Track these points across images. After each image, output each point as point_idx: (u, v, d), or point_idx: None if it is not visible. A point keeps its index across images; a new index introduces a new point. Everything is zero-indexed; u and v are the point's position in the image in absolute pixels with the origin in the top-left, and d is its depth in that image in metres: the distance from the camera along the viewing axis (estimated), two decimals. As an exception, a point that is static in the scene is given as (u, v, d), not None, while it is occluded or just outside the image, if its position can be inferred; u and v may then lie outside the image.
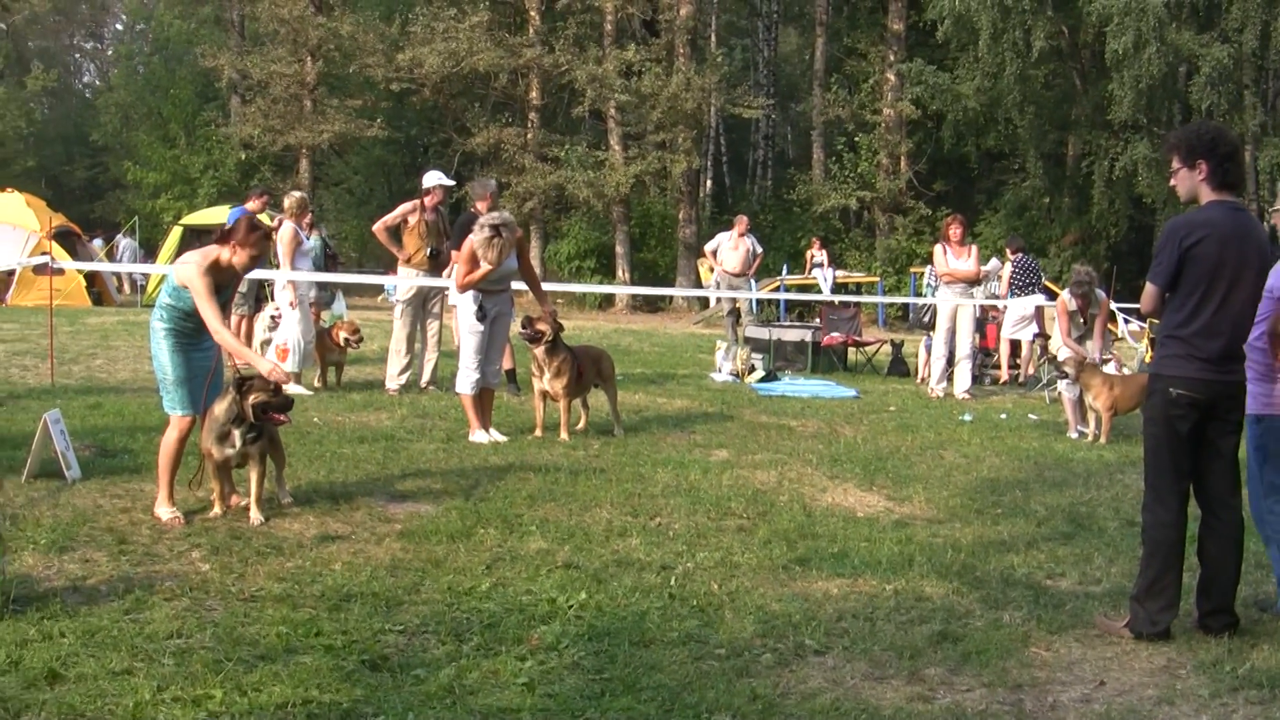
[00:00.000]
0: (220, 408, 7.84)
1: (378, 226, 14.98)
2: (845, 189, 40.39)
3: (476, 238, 10.99)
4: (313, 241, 16.53)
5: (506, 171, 38.93)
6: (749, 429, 12.76)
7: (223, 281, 7.91)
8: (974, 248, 17.05)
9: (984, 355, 19.06)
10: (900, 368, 19.77)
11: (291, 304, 14.09)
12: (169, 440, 7.79)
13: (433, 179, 14.74)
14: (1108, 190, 34.53)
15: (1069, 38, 35.21)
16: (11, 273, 27.95)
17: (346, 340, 14.80)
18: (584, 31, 40.73)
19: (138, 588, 6.26)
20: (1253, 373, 6.32)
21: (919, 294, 31.60)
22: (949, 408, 15.43)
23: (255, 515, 7.79)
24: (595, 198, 38.51)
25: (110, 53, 74.21)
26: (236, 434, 7.80)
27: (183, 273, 7.79)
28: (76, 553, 6.91)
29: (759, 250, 22.43)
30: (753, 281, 24.06)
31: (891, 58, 40.93)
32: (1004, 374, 18.91)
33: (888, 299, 33.36)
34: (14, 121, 57.11)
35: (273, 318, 14.71)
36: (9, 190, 33.30)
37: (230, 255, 7.83)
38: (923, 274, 30.96)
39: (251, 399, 7.76)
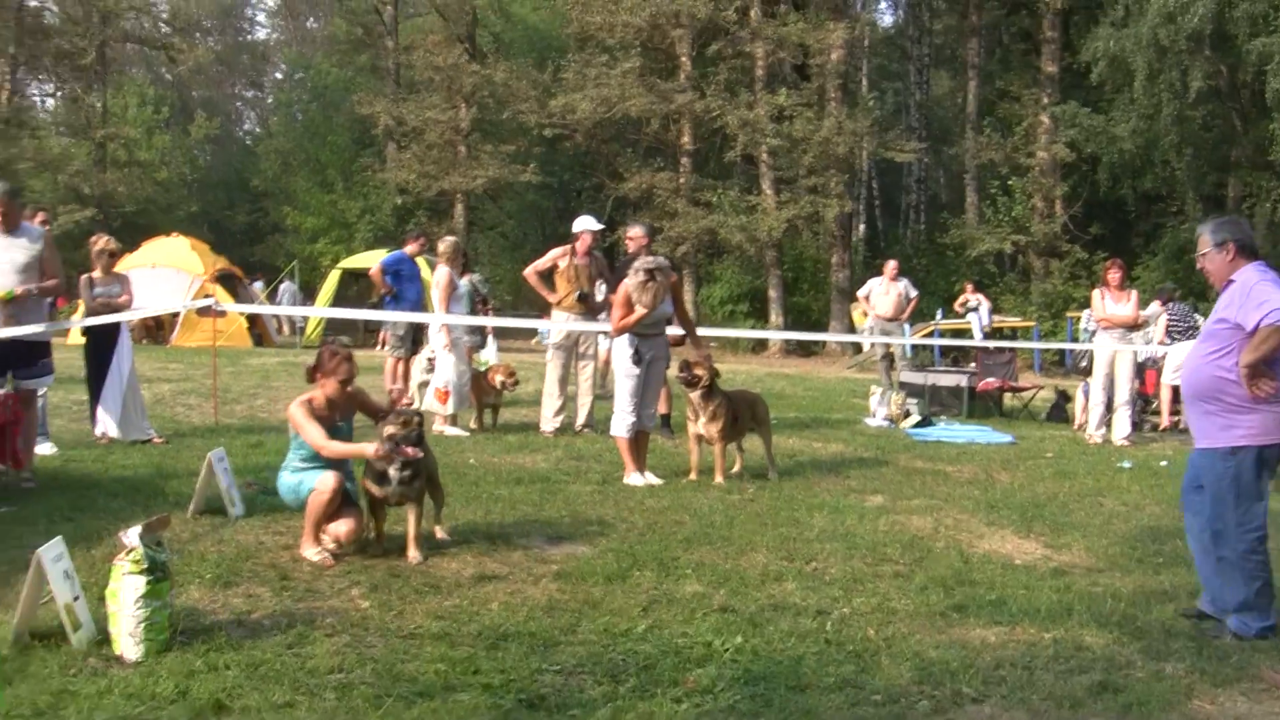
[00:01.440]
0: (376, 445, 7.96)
1: (529, 271, 15.07)
2: (1000, 233, 39.81)
3: (631, 281, 11.02)
4: (465, 286, 16.72)
5: (659, 216, 39.01)
6: (904, 474, 12.64)
7: (326, 417, 8.07)
8: (1133, 292, 16.74)
9: (1143, 401, 18.69)
10: (1060, 414, 19.47)
11: (446, 347, 14.26)
12: (318, 497, 7.83)
13: (580, 224, 14.77)
14: (1269, 232, 33.71)
15: (1227, 77, 34.33)
16: (176, 314, 28.62)
17: (503, 383, 14.91)
18: (735, 76, 40.75)
19: (299, 623, 6.34)
20: (1219, 405, 6.75)
21: (1075, 339, 31.12)
22: (1107, 454, 15.16)
23: (414, 554, 7.84)
24: (748, 242, 38.47)
25: (270, 101, 75.73)
26: (392, 472, 7.89)
27: (290, 417, 8.09)
28: (240, 587, 7.03)
29: (913, 294, 22.14)
30: (906, 326, 23.85)
31: (1045, 100, 40.37)
32: (1165, 420, 18.52)
33: (1044, 344, 32.89)
34: (179, 168, 58.62)
35: (429, 360, 14.90)
36: (174, 235, 34.28)
37: (321, 389, 8.06)
38: (1079, 318, 30.47)
39: (386, 431, 7.87)
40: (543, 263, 14.94)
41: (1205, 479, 6.97)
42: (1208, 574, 7.06)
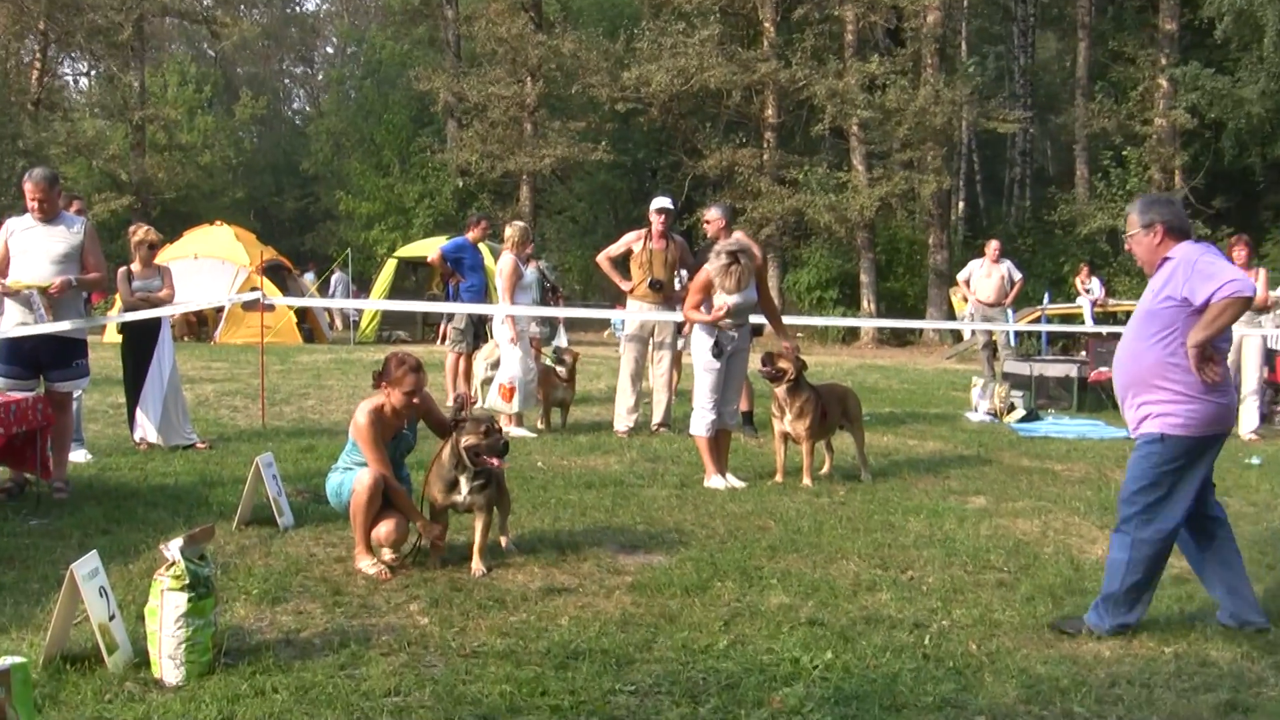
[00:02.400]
0: (446, 454, 7.99)
1: (601, 256, 15.10)
2: (1113, 208, 39.23)
3: (713, 265, 10.93)
4: (531, 274, 16.74)
5: (741, 196, 39.00)
6: (1009, 473, 12.56)
7: (392, 424, 8.12)
8: (1261, 271, 16.52)
9: (1273, 391, 18.44)
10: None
11: (512, 340, 14.27)
12: (356, 499, 7.85)
13: (655, 204, 14.75)
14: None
15: (1369, 30, 33.87)
16: (221, 309, 28.84)
17: (558, 360, 14.91)
18: (823, 43, 40.54)
19: (353, 641, 6.35)
20: (1165, 394, 6.70)
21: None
22: (1233, 450, 14.97)
23: (477, 566, 7.86)
24: (837, 222, 38.28)
25: (321, 78, 76.45)
26: (463, 480, 7.92)
27: (352, 426, 8.09)
28: (289, 604, 7.07)
29: (1017, 277, 21.93)
30: (1010, 311, 23.69)
31: (1163, 61, 39.84)
32: (1298, 411, 18.24)
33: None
34: (223, 151, 58.99)
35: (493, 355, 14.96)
36: (218, 223, 34.53)
37: (387, 398, 8.04)
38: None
39: (463, 441, 7.88)
40: (616, 248, 14.95)
41: (1129, 466, 6.97)
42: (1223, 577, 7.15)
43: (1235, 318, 6.59)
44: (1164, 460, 6.75)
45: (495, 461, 7.92)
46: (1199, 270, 6.58)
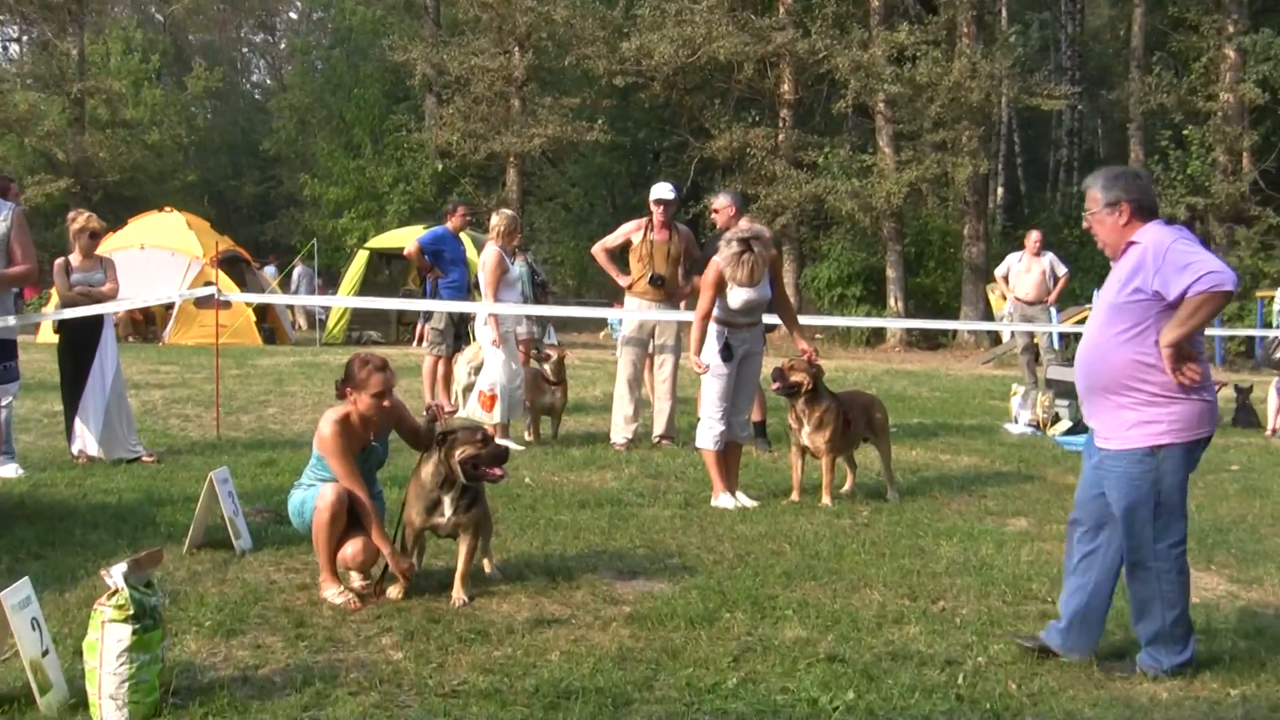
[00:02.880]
0: (427, 471, 7.98)
1: (597, 248, 15.15)
2: (1172, 195, 38.98)
3: (723, 254, 10.86)
4: (519, 268, 16.75)
5: (754, 181, 39.13)
6: (1052, 492, 12.55)
7: (359, 435, 8.06)
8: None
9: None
10: (1247, 417, 19.24)
11: (494, 342, 14.26)
12: (318, 516, 7.81)
13: (656, 192, 14.73)
14: None
15: None
16: (170, 306, 28.87)
17: (541, 357, 14.92)
18: (846, 9, 40.53)
19: (318, 679, 6.33)
20: (1135, 397, 6.68)
21: (1267, 324, 30.75)
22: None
23: (459, 594, 7.86)
24: (861, 211, 38.32)
25: (284, 47, 76.42)
26: (447, 501, 7.93)
27: (316, 439, 8.03)
28: (247, 636, 7.06)
29: (1061, 272, 21.87)
30: (1054, 311, 23.71)
31: (1230, 29, 39.54)
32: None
33: (1226, 331, 32.53)
34: (172, 129, 58.65)
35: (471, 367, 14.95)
36: (168, 209, 34.56)
37: (354, 406, 7.99)
38: (1272, 299, 30.12)
39: (458, 453, 7.85)
40: (613, 239, 15.00)
41: (1115, 487, 6.84)
42: (1082, 601, 7.02)
43: (1214, 313, 6.58)
44: (1160, 476, 6.67)
45: (497, 472, 7.93)
46: (1171, 260, 6.49)
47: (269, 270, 39.28)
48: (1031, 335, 22.66)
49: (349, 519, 7.84)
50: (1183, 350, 6.44)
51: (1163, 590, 6.72)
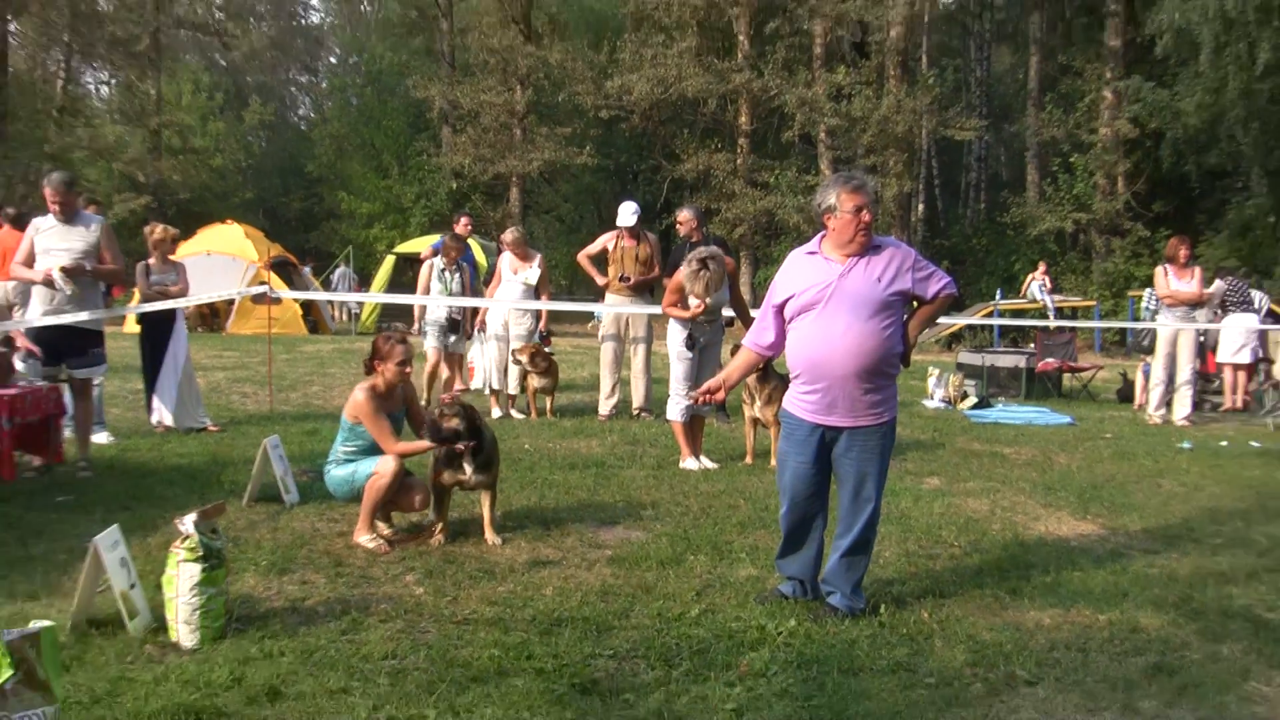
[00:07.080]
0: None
1: (581, 255, 15.37)
2: (1060, 211, 39.21)
3: (685, 271, 10.94)
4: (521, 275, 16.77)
5: (716, 197, 39.09)
6: (961, 456, 12.63)
7: (387, 402, 8.18)
8: (1197, 269, 16.58)
9: (1204, 380, 18.53)
10: (1129, 394, 19.36)
11: (479, 325, 14.58)
12: (378, 480, 7.93)
13: (619, 218, 14.86)
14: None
15: (1297, 49, 33.81)
16: (232, 301, 28.84)
17: (531, 359, 14.91)
18: (793, 55, 40.59)
19: (354, 609, 6.41)
20: (887, 379, 6.57)
21: (1137, 318, 30.80)
22: (1167, 435, 15.09)
23: (491, 537, 8.03)
24: (806, 222, 38.23)
25: (324, 85, 75.93)
26: (466, 461, 8.01)
27: (351, 407, 8.14)
28: (295, 574, 7.13)
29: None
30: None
31: (1109, 75, 39.64)
32: (1236, 401, 18.23)
33: (1104, 324, 32.61)
34: (233, 155, 58.77)
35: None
36: (229, 222, 34.46)
37: (380, 375, 8.15)
38: (1141, 297, 30.16)
39: (448, 425, 7.93)
40: (593, 247, 15.22)
41: (856, 456, 6.60)
42: (812, 555, 6.93)
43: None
44: (887, 443, 6.68)
45: (459, 447, 7.98)
46: (920, 265, 6.61)
47: (307, 270, 39.21)
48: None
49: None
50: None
51: (869, 541, 6.80)
